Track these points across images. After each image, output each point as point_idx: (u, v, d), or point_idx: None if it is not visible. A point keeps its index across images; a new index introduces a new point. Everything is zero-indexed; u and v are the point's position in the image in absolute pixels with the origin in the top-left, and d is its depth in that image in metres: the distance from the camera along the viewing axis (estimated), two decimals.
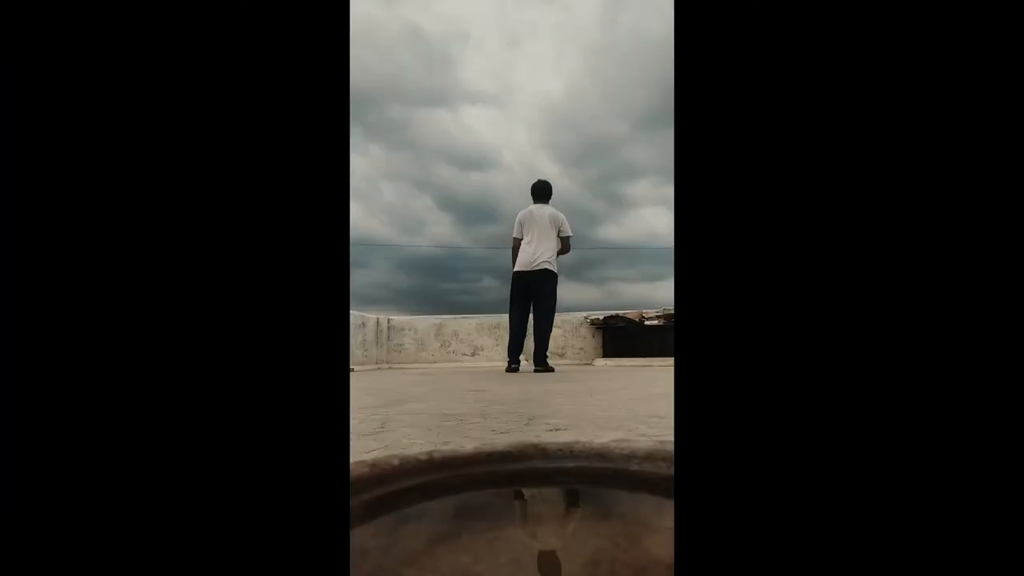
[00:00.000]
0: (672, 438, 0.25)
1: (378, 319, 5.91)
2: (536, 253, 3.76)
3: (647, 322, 5.34)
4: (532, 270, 3.74)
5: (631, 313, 5.54)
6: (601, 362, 5.35)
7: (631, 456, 0.31)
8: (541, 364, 3.72)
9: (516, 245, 3.80)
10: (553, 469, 0.30)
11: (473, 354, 6.04)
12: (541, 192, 3.91)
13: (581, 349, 5.86)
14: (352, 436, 0.93)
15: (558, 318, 5.95)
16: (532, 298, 3.77)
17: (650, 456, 0.30)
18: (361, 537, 0.25)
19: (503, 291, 3.91)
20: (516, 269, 3.75)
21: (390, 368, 5.51)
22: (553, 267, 3.76)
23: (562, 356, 5.84)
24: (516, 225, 3.81)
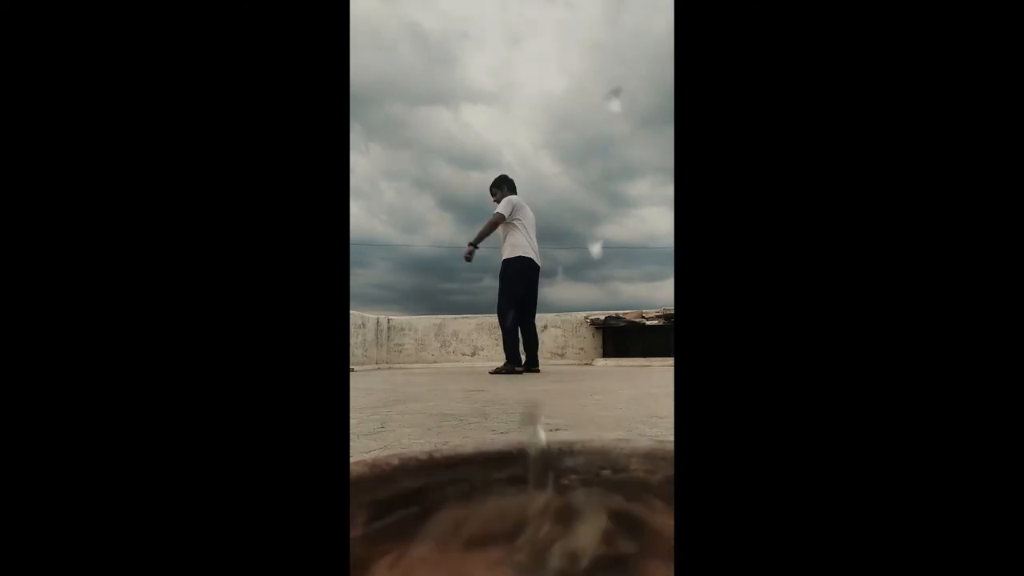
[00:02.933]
0: (672, 438, 0.25)
1: (378, 319, 5.92)
2: (535, 245, 3.59)
3: (647, 322, 5.35)
4: (537, 262, 3.58)
5: (631, 313, 5.54)
6: (601, 362, 5.35)
7: (631, 455, 0.31)
8: (537, 364, 3.67)
9: (499, 221, 3.53)
10: (553, 467, 0.30)
11: (473, 354, 6.04)
12: (515, 187, 3.76)
13: (581, 349, 5.87)
14: (352, 436, 0.93)
15: (557, 318, 5.96)
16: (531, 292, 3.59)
17: (650, 455, 0.30)
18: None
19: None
20: (527, 256, 3.50)
21: (390, 368, 5.51)
22: None
23: (562, 356, 5.84)
24: (507, 204, 3.54)
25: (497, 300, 3.54)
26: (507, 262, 3.53)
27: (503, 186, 3.76)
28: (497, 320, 3.68)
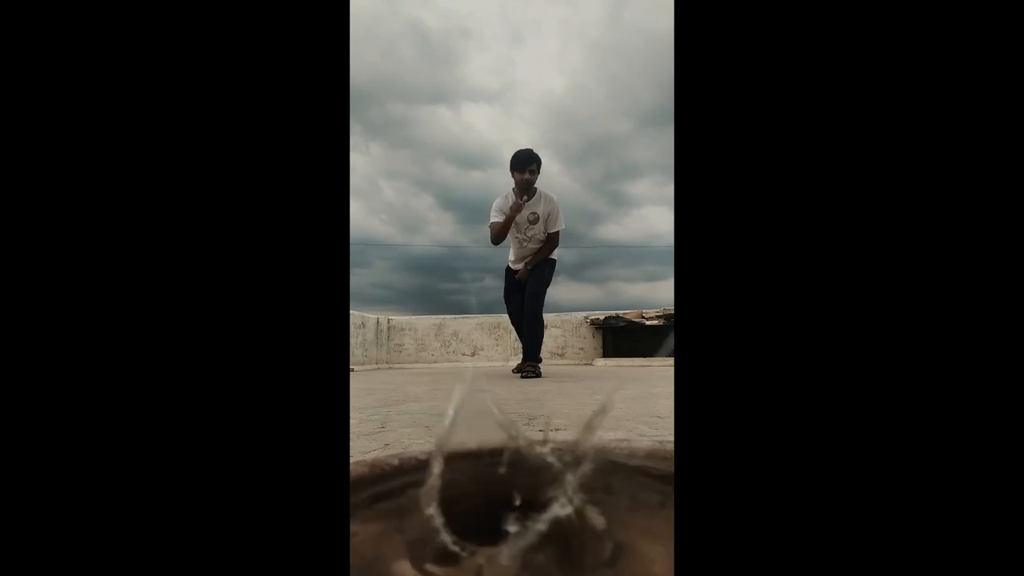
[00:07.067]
0: (672, 438, 0.25)
1: (378, 319, 5.91)
2: None
3: (647, 322, 5.35)
4: None
5: (631, 313, 5.54)
6: (601, 362, 5.35)
7: (631, 455, 0.31)
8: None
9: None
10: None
11: (473, 354, 6.04)
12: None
13: (581, 349, 5.87)
14: (352, 436, 0.93)
15: (557, 318, 5.96)
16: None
17: (650, 456, 0.30)
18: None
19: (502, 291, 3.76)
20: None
21: (390, 368, 5.52)
22: None
23: (562, 356, 5.84)
24: (559, 210, 3.08)
25: (540, 300, 3.14)
26: (554, 262, 3.20)
27: (540, 164, 2.99)
28: (509, 320, 3.46)
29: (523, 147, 3.08)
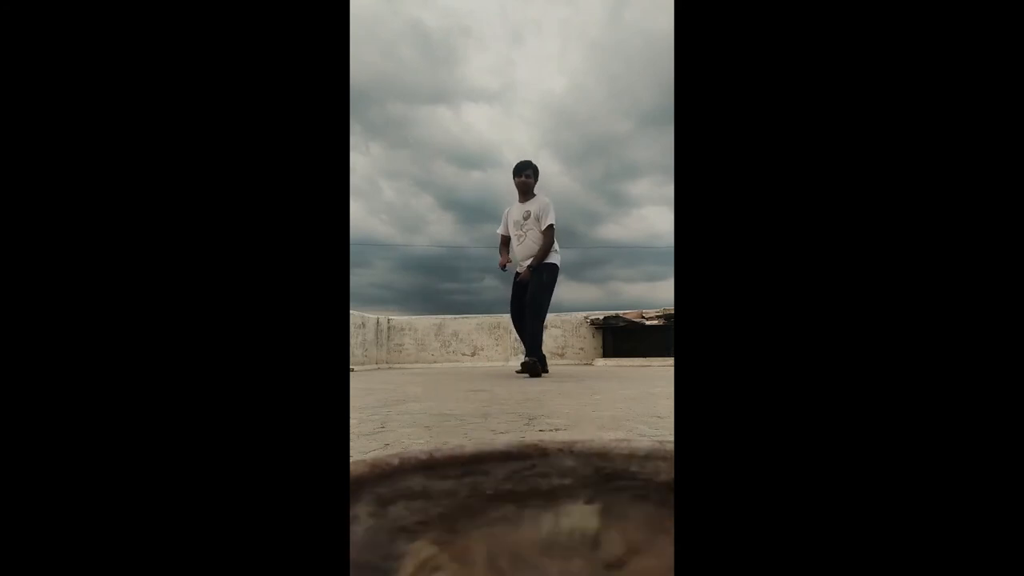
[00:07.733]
0: (672, 438, 0.25)
1: (378, 319, 5.92)
2: None
3: (647, 322, 5.35)
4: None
5: (631, 313, 5.54)
6: (601, 362, 5.35)
7: (631, 456, 0.31)
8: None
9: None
10: (553, 468, 0.30)
11: (473, 354, 6.04)
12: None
13: (581, 349, 5.87)
14: (352, 436, 0.93)
15: (557, 318, 5.97)
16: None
17: (650, 456, 0.30)
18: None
19: (503, 291, 3.81)
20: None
21: (390, 368, 5.52)
22: None
23: (562, 356, 5.84)
24: (553, 210, 3.40)
25: (541, 303, 3.39)
26: (554, 267, 3.45)
27: (537, 172, 3.55)
28: (511, 321, 3.65)
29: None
